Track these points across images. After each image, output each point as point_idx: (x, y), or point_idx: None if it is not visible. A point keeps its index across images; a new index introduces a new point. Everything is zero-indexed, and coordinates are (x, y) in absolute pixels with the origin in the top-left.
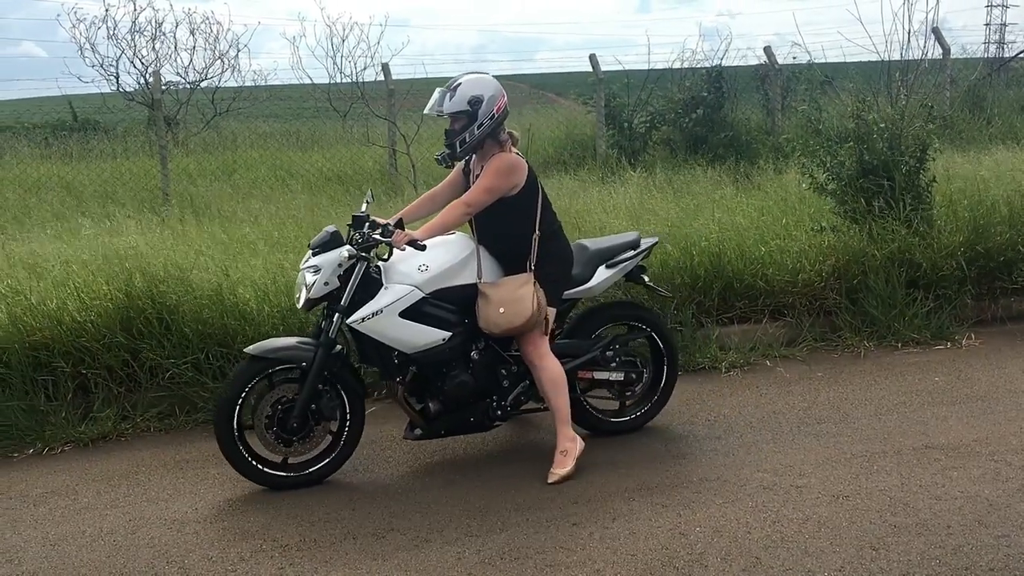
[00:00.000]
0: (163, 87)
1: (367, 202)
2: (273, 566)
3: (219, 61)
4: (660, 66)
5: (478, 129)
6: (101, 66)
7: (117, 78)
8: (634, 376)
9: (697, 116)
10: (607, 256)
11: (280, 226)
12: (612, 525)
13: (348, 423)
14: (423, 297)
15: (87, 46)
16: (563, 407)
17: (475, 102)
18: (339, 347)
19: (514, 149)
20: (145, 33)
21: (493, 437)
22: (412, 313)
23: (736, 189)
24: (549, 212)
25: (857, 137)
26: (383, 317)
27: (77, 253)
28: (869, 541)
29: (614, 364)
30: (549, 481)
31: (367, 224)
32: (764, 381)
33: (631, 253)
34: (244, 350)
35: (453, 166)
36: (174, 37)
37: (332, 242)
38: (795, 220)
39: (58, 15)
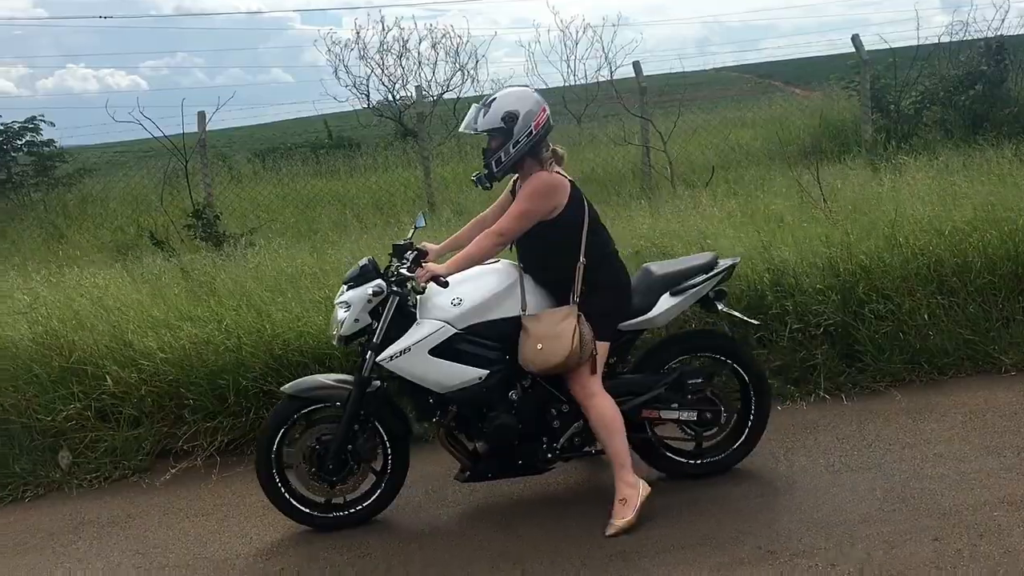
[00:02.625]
0: (410, 102)
1: (415, 227)
2: None
3: (459, 73)
4: (930, 41)
5: (514, 148)
6: (354, 85)
7: (368, 96)
8: (709, 415)
9: (976, 92)
10: (673, 282)
11: None
12: None
13: (390, 464)
14: (456, 333)
15: (341, 67)
16: (619, 451)
17: (510, 118)
18: (377, 384)
19: (557, 168)
20: (392, 51)
21: (562, 476)
22: (444, 350)
23: None
24: (599, 236)
25: None
26: (411, 355)
27: None
28: None
29: (680, 402)
30: (607, 533)
31: (408, 253)
32: None
33: (702, 277)
34: (281, 388)
35: (491, 187)
36: (418, 52)
37: (362, 276)
38: None
39: (315, 40)
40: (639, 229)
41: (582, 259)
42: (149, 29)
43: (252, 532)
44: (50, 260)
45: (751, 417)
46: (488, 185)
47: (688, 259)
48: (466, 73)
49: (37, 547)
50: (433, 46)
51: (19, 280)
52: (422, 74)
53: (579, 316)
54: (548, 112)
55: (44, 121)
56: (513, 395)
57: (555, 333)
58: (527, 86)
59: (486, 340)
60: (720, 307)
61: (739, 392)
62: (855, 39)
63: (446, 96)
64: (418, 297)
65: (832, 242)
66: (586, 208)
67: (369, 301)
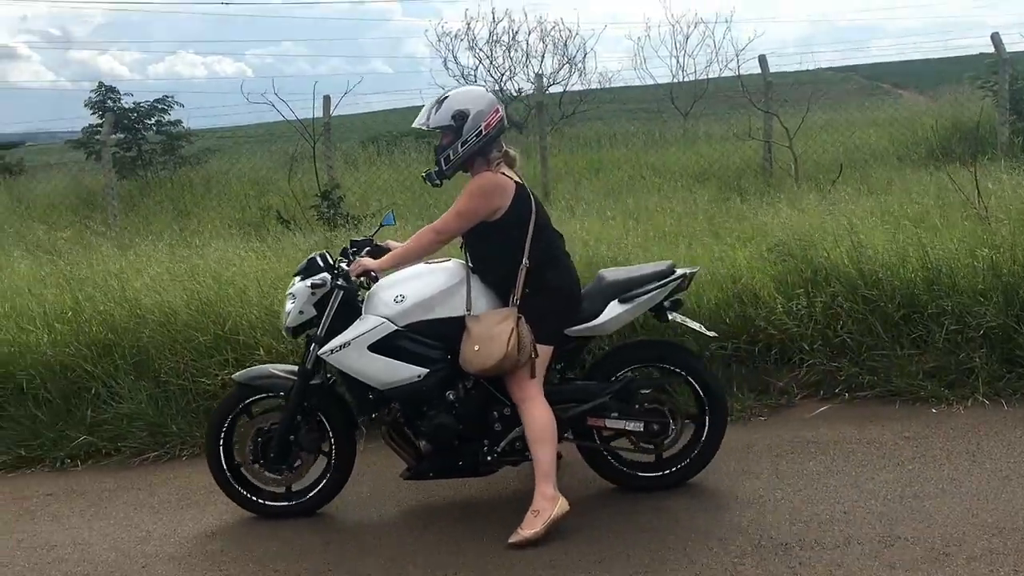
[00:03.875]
0: (515, 95)
1: (381, 224)
2: None
3: (567, 65)
4: None
5: (462, 147)
6: (462, 76)
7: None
8: (656, 427)
9: None
10: (623, 288)
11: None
12: None
13: (334, 456)
14: (396, 330)
15: (451, 57)
16: (543, 460)
17: (459, 116)
18: (324, 377)
19: (506, 170)
20: (501, 42)
21: (509, 478)
22: (383, 347)
23: None
24: (544, 238)
25: None
26: (351, 350)
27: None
28: None
29: (625, 413)
30: (510, 541)
31: (365, 250)
32: None
33: (654, 285)
34: (232, 376)
35: (441, 184)
36: (527, 44)
37: (309, 269)
38: None
39: (426, 30)
40: (771, 226)
41: (525, 261)
42: (253, 18)
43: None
44: (184, 234)
45: (705, 432)
46: (438, 182)
47: (643, 267)
48: (573, 66)
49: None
50: (542, 39)
51: (166, 250)
52: (530, 66)
53: (519, 318)
54: (502, 114)
55: (175, 101)
56: (451, 395)
57: (491, 335)
58: (483, 86)
59: (427, 339)
60: (672, 316)
61: (694, 406)
62: (995, 37)
63: (552, 89)
64: (366, 293)
65: (993, 243)
66: (533, 210)
67: (312, 294)
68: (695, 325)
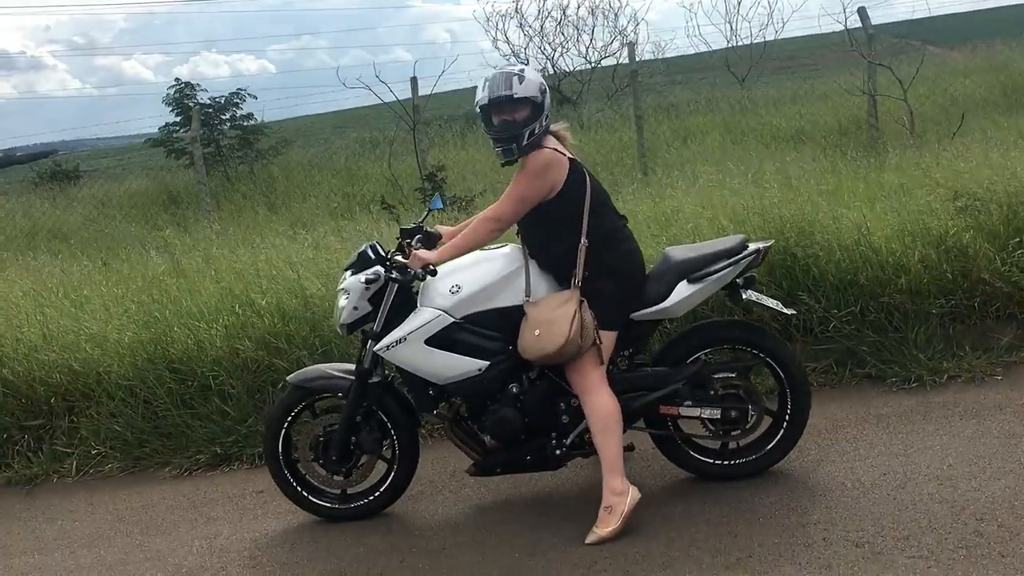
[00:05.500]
0: (569, 70)
1: (428, 209)
2: None
3: (619, 38)
4: None
5: (545, 120)
6: (512, 54)
7: (526, 65)
8: (734, 414)
9: None
10: (693, 267)
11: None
12: None
13: (396, 457)
14: (453, 322)
15: (501, 37)
16: (610, 453)
17: (544, 90)
18: (383, 374)
19: (558, 144)
20: (553, 16)
21: (577, 475)
22: (441, 340)
23: None
24: (604, 215)
25: None
26: (407, 345)
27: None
28: None
29: (700, 399)
30: (587, 541)
31: (416, 238)
32: None
33: (726, 262)
34: (287, 378)
35: (516, 161)
36: (576, 18)
37: (361, 262)
38: None
39: (474, 11)
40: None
41: (584, 240)
42: (275, 12)
43: (265, 526)
44: (295, 227)
45: (787, 417)
46: (514, 160)
47: (713, 243)
48: (624, 38)
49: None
50: (591, 12)
51: (282, 244)
52: (580, 41)
53: (581, 301)
54: None
55: (248, 94)
56: (514, 388)
57: (553, 318)
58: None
59: (486, 330)
60: (746, 295)
61: (776, 390)
62: None
63: (605, 62)
64: (420, 284)
65: None
66: (588, 186)
67: (366, 288)
68: (772, 303)
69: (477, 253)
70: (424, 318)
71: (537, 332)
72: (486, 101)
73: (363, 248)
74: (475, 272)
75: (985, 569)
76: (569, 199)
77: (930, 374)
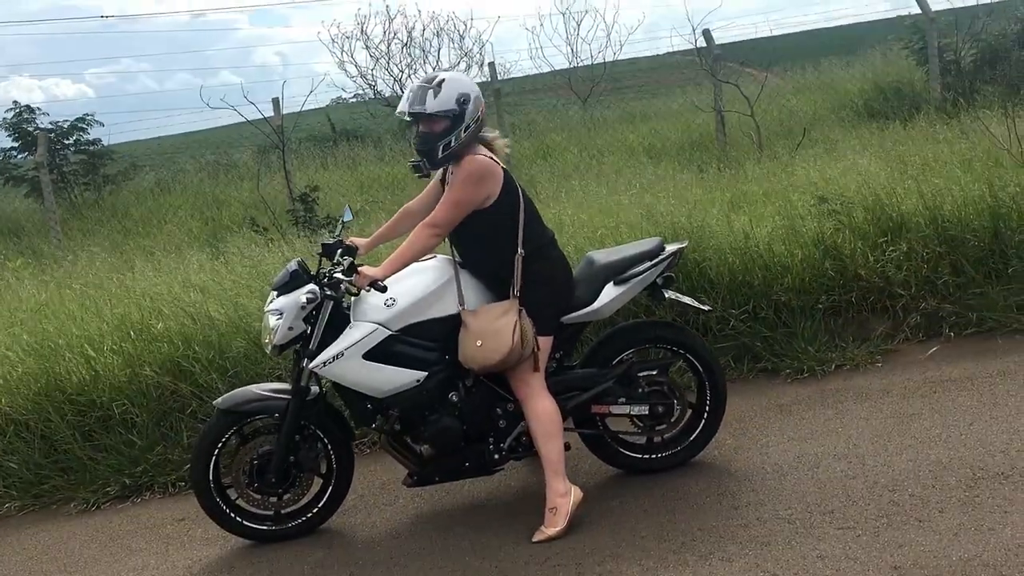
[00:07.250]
0: None
1: (342, 223)
2: None
3: (464, 59)
4: None
5: (465, 132)
6: (359, 75)
7: (373, 87)
8: (661, 409)
9: None
10: (616, 270)
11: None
12: None
13: (334, 473)
14: (390, 335)
15: (348, 59)
16: (552, 456)
17: (463, 100)
18: (315, 391)
19: (489, 154)
20: (399, 38)
21: (509, 478)
22: (379, 354)
23: None
24: (535, 225)
25: None
26: (344, 360)
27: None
28: None
29: (629, 397)
30: (534, 540)
31: (339, 253)
32: None
33: (647, 264)
34: (214, 403)
35: (430, 175)
36: (422, 39)
37: (293, 281)
38: None
39: (319, 32)
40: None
41: (520, 250)
42: (86, 36)
43: (196, 553)
44: (156, 254)
45: (706, 409)
46: (427, 173)
47: (632, 246)
48: (472, 59)
49: None
50: (436, 33)
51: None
52: (427, 61)
53: (520, 310)
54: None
55: (95, 120)
56: (453, 396)
57: (495, 329)
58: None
59: (423, 341)
60: (667, 295)
61: (695, 384)
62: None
63: None
64: (352, 298)
65: None
66: (520, 195)
67: (303, 308)
68: (690, 300)
69: (407, 267)
70: (361, 332)
71: (479, 343)
72: (406, 114)
73: (290, 267)
74: (408, 284)
75: (907, 534)
76: (503, 210)
77: (818, 364)
